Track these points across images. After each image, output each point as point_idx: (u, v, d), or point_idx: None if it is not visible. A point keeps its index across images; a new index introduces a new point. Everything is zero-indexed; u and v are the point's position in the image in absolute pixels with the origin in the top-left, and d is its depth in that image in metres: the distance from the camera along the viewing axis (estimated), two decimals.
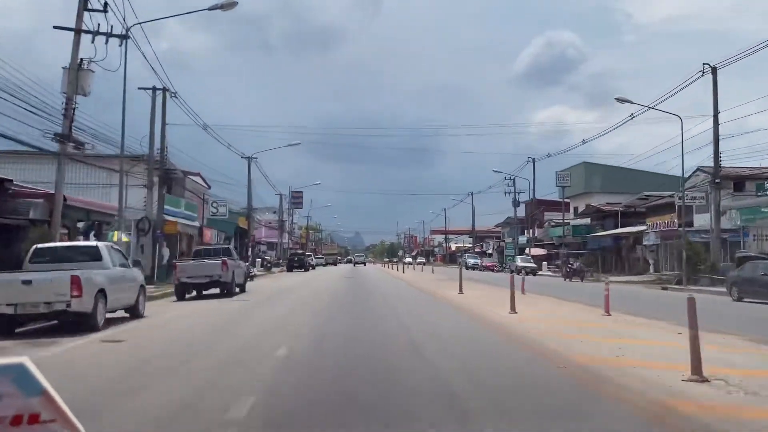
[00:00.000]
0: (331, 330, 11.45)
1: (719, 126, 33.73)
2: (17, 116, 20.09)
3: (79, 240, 27.63)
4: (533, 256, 59.79)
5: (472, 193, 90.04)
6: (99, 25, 23.08)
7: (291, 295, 22.77)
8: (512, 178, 70.57)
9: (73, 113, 22.40)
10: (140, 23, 24.24)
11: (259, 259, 56.03)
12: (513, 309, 14.25)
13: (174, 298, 21.56)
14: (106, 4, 22.20)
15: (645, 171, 63.46)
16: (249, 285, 31.25)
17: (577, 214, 70.30)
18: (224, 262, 21.20)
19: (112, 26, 23.19)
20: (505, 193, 72.22)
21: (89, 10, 22.12)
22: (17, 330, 11.81)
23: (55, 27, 23.01)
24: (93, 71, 22.96)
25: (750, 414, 5.44)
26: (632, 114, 39.90)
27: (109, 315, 13.51)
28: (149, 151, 32.93)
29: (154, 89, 33.15)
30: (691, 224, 40.81)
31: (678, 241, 40.00)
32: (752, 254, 30.05)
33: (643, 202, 51.79)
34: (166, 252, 34.24)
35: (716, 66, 33.09)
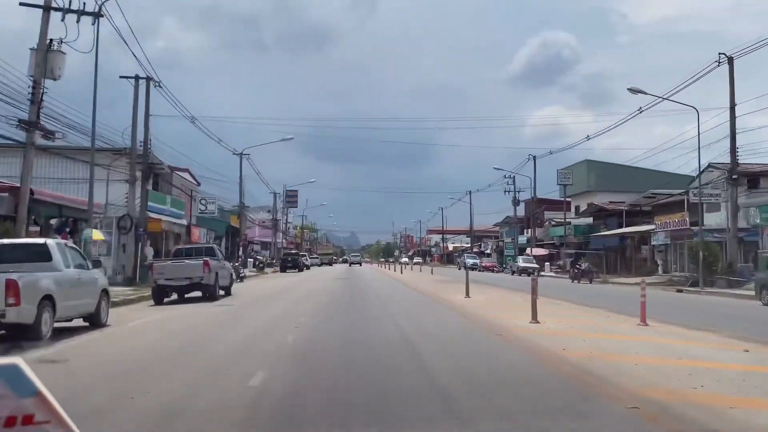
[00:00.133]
0: (320, 349, 9.43)
1: (736, 119, 31.98)
2: None
3: (55, 238, 25.71)
4: (534, 257, 57.81)
5: (470, 192, 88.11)
6: (70, 1, 21.18)
7: (280, 299, 20.76)
8: (512, 176, 68.66)
9: (41, 98, 20.39)
10: None
11: (251, 259, 53.85)
12: (535, 318, 12.25)
13: (153, 301, 19.56)
14: None
15: (649, 169, 61.65)
16: (238, 287, 29.24)
17: (578, 214, 68.37)
18: (206, 263, 19.17)
19: (84, 3, 21.27)
20: (505, 191, 70.32)
21: None
22: None
23: (21, 4, 21.02)
24: (64, 53, 20.97)
25: None
26: (641, 108, 38.25)
27: (62, 324, 11.49)
28: (131, 143, 30.93)
29: (136, 78, 31.10)
30: (690, 224, 39.00)
31: (690, 241, 38.16)
32: None
33: (649, 200, 49.94)
34: (149, 251, 32.18)
35: (733, 56, 31.34)
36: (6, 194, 21.07)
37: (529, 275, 50.11)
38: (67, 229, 24.80)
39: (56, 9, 20.67)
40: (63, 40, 20.72)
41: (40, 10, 20.61)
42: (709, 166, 41.44)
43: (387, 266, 78.08)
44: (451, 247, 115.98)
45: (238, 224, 53.02)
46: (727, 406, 5.53)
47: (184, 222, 39.57)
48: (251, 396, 6.08)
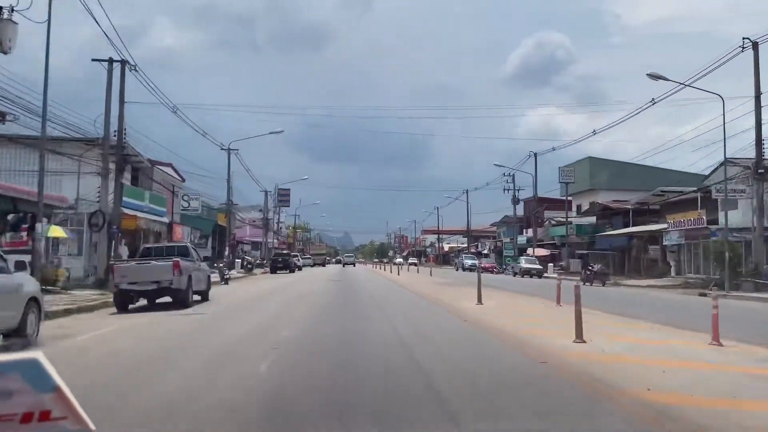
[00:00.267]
0: (303, 390, 6.68)
1: (761, 108, 29.58)
2: None
3: (6, 236, 22.95)
4: (536, 257, 55.24)
5: (467, 191, 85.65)
6: None
7: (263, 305, 18.07)
8: (512, 174, 66.09)
9: None
10: None
11: (239, 260, 51.03)
12: (580, 336, 9.62)
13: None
14: None
15: (655, 167, 59.23)
16: (221, 290, 26.60)
17: (580, 213, 65.88)
18: (176, 264, 16.45)
19: None
20: (504, 189, 67.73)
21: None
22: None
23: None
24: (16, 23, 18.28)
25: None
26: (653, 99, 35.86)
27: None
28: (104, 132, 28.19)
29: (110, 61, 28.34)
30: (715, 222, 36.62)
31: (708, 241, 35.74)
32: None
33: (658, 198, 47.48)
34: (124, 251, 29.46)
35: (757, 41, 28.91)
36: None
37: (531, 277, 47.91)
38: (25, 225, 22.05)
39: None
40: (14, 8, 18.09)
41: None
42: (727, 160, 39.10)
43: (381, 267, 75.36)
44: (446, 247, 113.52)
45: (226, 223, 50.25)
46: None
47: (165, 219, 36.81)
48: None
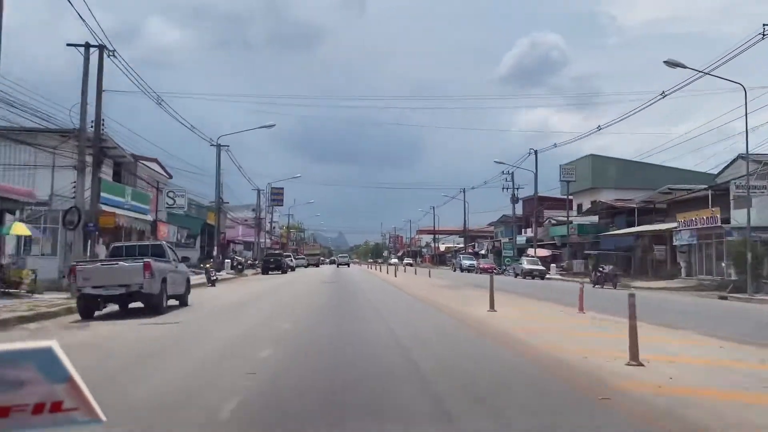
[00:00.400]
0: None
1: None
2: None
3: None
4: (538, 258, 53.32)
5: (464, 190, 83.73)
6: None
7: (247, 311, 16.05)
8: (510, 172, 64.12)
9: None
10: None
11: (229, 260, 48.91)
12: (635, 358, 7.62)
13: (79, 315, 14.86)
14: None
15: (659, 165, 57.47)
16: (205, 293, 24.77)
17: (581, 212, 64.05)
18: (147, 266, 14.40)
19: None
20: (503, 188, 65.75)
21: None
22: None
23: None
24: None
25: None
26: (663, 92, 34.09)
27: None
28: (80, 123, 26.10)
29: (86, 45, 26.26)
30: (727, 221, 34.85)
31: (725, 240, 33.93)
32: None
33: (665, 196, 45.66)
34: (102, 250, 27.35)
35: None
36: None
37: (533, 278, 46.01)
38: None
39: None
40: None
41: None
42: (739, 156, 37.31)
43: (376, 267, 73.37)
44: (443, 247, 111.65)
45: (216, 222, 48.08)
46: None
47: (149, 217, 34.71)
48: None
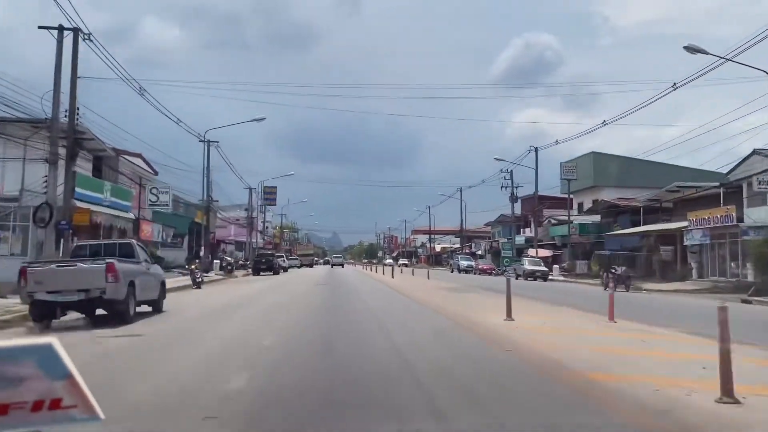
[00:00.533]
0: None
1: None
2: None
3: None
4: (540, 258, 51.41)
5: (461, 189, 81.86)
6: None
7: (229, 319, 14.03)
8: (510, 170, 62.18)
9: None
10: None
11: (218, 261, 46.81)
12: (729, 394, 5.68)
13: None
14: None
15: (664, 163, 55.76)
16: (189, 296, 22.86)
17: (582, 211, 62.25)
18: (110, 268, 12.39)
19: None
20: (502, 187, 63.78)
21: None
22: None
23: None
24: None
25: None
26: (674, 84, 32.28)
27: None
28: (52, 112, 24.08)
29: (60, 28, 24.26)
30: (740, 220, 33.12)
31: (739, 240, 32.19)
32: None
33: (673, 194, 43.85)
34: None
35: None
36: None
37: (535, 279, 44.14)
38: None
39: None
40: None
41: None
42: (754, 152, 35.59)
43: (371, 268, 71.40)
44: (438, 248, 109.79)
45: (204, 221, 45.98)
46: None
47: (131, 215, 32.65)
48: None
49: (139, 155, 37.16)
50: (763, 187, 27.42)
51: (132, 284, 13.18)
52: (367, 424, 5.08)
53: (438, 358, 8.57)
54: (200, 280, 28.94)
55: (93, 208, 27.19)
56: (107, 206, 29.14)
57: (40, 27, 24.85)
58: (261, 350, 9.14)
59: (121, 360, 8.63)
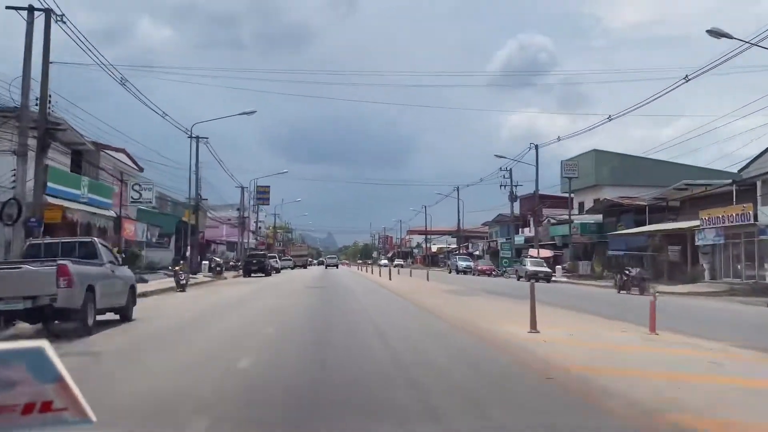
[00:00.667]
0: None
1: None
2: None
3: None
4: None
5: (458, 188, 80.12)
6: None
7: (206, 330, 12.08)
8: (509, 168, 60.35)
9: None
10: None
11: (206, 262, 44.80)
12: None
13: None
14: None
15: (669, 161, 54.09)
16: (170, 300, 20.94)
17: (583, 210, 60.56)
18: (62, 270, 10.45)
19: None
20: (501, 185, 61.94)
21: None
22: None
23: None
24: None
25: None
26: (687, 76, 30.52)
27: None
28: (21, 99, 22.16)
29: (30, 9, 22.36)
30: (755, 218, 31.45)
31: (756, 240, 30.50)
32: None
33: (681, 193, 42.16)
34: None
35: None
36: None
37: (538, 280, 42.23)
38: None
39: None
40: None
41: None
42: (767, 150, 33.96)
43: (365, 269, 69.51)
44: (434, 248, 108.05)
45: (192, 220, 43.96)
46: None
47: (112, 213, 30.66)
48: None
49: (122, 150, 35.21)
50: None
51: (91, 289, 11.25)
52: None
53: (456, 381, 6.58)
54: (185, 282, 27.04)
55: (68, 204, 25.23)
56: (84, 203, 27.18)
57: (8, 7, 22.99)
58: (234, 375, 7.19)
59: None
